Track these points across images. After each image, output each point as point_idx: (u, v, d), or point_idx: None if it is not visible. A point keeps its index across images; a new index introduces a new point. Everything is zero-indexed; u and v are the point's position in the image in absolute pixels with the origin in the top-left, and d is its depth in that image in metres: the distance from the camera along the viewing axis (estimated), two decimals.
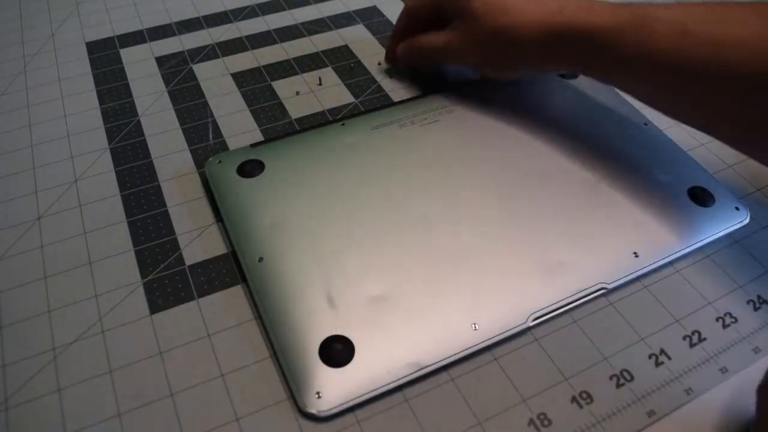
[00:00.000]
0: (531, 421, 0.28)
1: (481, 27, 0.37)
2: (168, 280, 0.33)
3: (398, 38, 0.45)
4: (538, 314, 0.31)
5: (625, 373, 0.30)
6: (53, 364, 0.29)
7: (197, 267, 0.34)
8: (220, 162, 0.38)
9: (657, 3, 0.32)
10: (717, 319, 0.32)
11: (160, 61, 0.48)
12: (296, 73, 0.47)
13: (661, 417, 0.28)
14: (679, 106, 0.33)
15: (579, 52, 0.34)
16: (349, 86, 0.46)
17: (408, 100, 0.43)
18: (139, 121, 0.42)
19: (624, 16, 0.32)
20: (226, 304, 0.32)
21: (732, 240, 0.36)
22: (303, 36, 0.51)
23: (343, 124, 0.40)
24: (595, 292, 0.32)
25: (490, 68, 0.40)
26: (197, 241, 0.35)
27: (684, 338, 0.31)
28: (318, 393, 0.28)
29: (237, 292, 0.32)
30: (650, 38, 0.31)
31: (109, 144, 0.40)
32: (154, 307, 0.32)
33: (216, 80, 0.46)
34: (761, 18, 0.29)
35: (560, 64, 0.37)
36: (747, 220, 0.36)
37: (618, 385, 0.29)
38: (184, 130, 0.42)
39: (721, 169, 0.40)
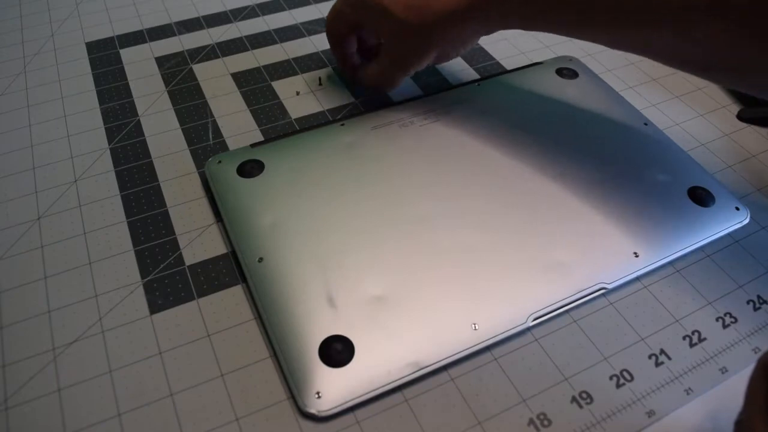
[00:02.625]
0: (531, 421, 0.28)
1: (408, 34, 0.37)
2: (168, 280, 0.33)
3: (344, 61, 0.44)
4: (538, 314, 0.31)
5: (625, 373, 0.30)
6: (53, 364, 0.29)
7: (197, 267, 0.34)
8: (220, 162, 0.38)
9: None
10: (717, 319, 0.32)
11: (160, 61, 0.48)
12: (296, 73, 0.47)
13: (661, 417, 0.28)
14: (615, 37, 0.33)
15: (512, 5, 0.35)
16: (349, 86, 0.46)
17: (408, 100, 0.43)
18: (139, 121, 0.42)
19: None
20: (226, 304, 0.32)
21: (732, 240, 0.36)
22: (303, 36, 0.51)
23: (343, 124, 0.40)
24: (595, 292, 0.32)
25: (431, 61, 0.40)
26: (197, 241, 0.35)
27: (684, 338, 0.31)
28: (318, 393, 0.28)
29: (237, 292, 0.32)
30: None
31: (109, 144, 0.40)
32: (154, 307, 0.32)
33: (216, 80, 0.46)
34: None
35: (496, 23, 0.37)
36: (747, 220, 0.36)
37: (618, 385, 0.29)
38: (184, 130, 0.42)
39: (721, 169, 0.40)
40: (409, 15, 0.36)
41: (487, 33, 0.39)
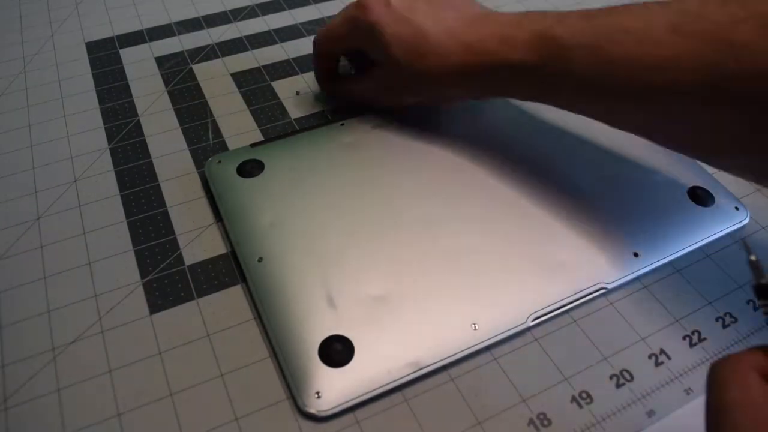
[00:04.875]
0: (531, 421, 0.28)
1: (401, 73, 0.36)
2: (168, 280, 0.33)
3: (323, 75, 0.43)
4: (538, 314, 0.31)
5: (625, 373, 0.30)
6: (53, 364, 0.29)
7: (197, 267, 0.33)
8: (219, 162, 0.38)
9: (558, 12, 0.32)
10: (717, 319, 0.32)
11: (160, 61, 0.48)
12: (296, 73, 0.47)
13: (661, 417, 0.28)
14: (611, 119, 0.32)
15: (503, 85, 0.34)
16: None
17: None
18: (139, 121, 0.42)
19: (539, 47, 0.31)
20: (226, 304, 0.32)
21: (732, 240, 0.36)
22: (303, 36, 0.51)
23: (342, 124, 0.40)
24: (595, 292, 0.32)
25: (414, 102, 0.40)
26: (197, 241, 0.35)
27: (684, 338, 0.31)
28: (318, 393, 0.28)
29: (237, 292, 0.32)
30: (569, 68, 0.30)
31: (109, 144, 0.40)
32: (154, 307, 0.32)
33: (216, 80, 0.46)
34: (674, 34, 0.27)
35: (489, 95, 0.37)
36: (747, 220, 0.36)
37: (618, 385, 0.29)
38: (183, 130, 0.42)
39: None
40: (409, 58, 0.35)
41: (476, 99, 0.39)
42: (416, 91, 0.38)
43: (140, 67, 0.47)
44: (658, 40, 0.27)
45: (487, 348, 0.30)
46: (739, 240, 0.35)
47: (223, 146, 0.40)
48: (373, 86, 0.40)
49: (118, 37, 0.50)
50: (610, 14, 0.30)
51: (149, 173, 0.39)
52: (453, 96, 0.38)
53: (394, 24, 0.35)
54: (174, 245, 0.35)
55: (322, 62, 0.43)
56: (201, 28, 0.51)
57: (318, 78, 0.44)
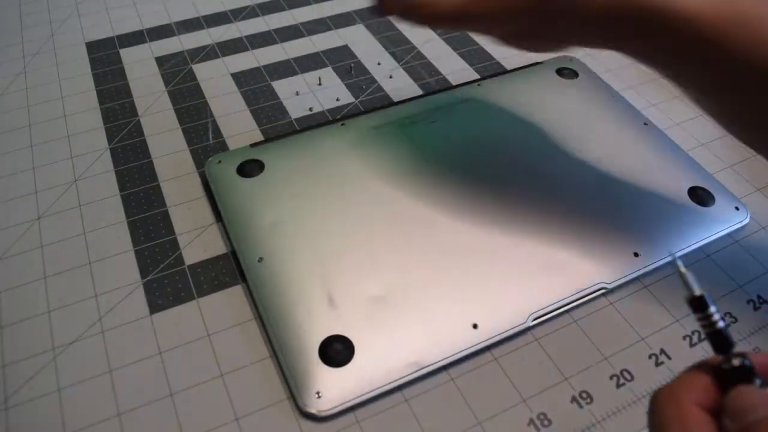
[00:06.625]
0: (531, 421, 0.28)
1: None
2: (168, 280, 0.33)
3: None
4: (538, 314, 0.31)
5: (625, 373, 0.30)
6: (53, 364, 0.29)
7: (197, 267, 0.33)
8: (219, 162, 0.38)
9: None
10: None
11: (160, 61, 0.47)
12: (296, 73, 0.47)
13: None
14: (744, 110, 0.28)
15: (660, 42, 0.26)
16: (349, 86, 0.46)
17: (408, 100, 0.43)
18: (139, 121, 0.42)
19: (724, 7, 0.25)
20: (226, 304, 0.32)
21: (732, 240, 0.36)
22: (303, 36, 0.51)
23: (343, 124, 0.40)
24: (595, 292, 0.32)
25: (526, 42, 0.30)
26: (197, 241, 0.35)
27: (684, 338, 0.31)
28: (318, 393, 0.28)
29: (237, 292, 0.32)
30: (758, 40, 0.25)
31: (109, 144, 0.40)
32: (154, 307, 0.32)
33: (216, 80, 0.46)
34: None
35: (627, 48, 0.28)
36: (747, 220, 0.36)
37: (618, 385, 0.29)
38: (184, 130, 0.42)
39: (721, 169, 0.40)
40: None
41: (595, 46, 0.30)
42: (538, 19, 0.28)
43: (140, 67, 0.47)
44: None
45: (487, 348, 0.30)
46: (671, 254, 0.33)
47: (223, 146, 0.40)
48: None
49: (118, 37, 0.50)
50: None
51: (149, 173, 0.39)
52: (576, 42, 0.30)
53: None
54: (174, 245, 0.35)
55: None
56: (201, 28, 0.51)
57: None
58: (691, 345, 0.31)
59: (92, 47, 0.49)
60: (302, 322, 0.30)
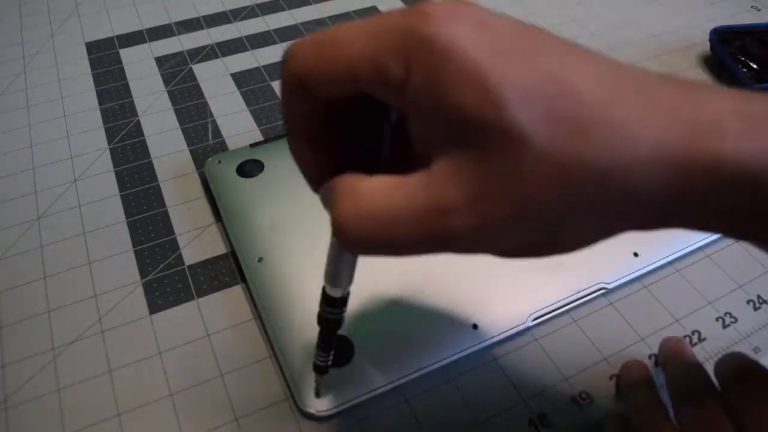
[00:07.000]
0: (531, 421, 0.28)
1: (535, 167, 0.16)
2: (167, 280, 0.33)
3: (297, 132, 0.23)
4: (538, 314, 0.31)
5: None
6: (53, 364, 0.29)
7: (197, 267, 0.33)
8: (219, 162, 0.38)
9: None
10: (717, 319, 0.32)
11: (160, 61, 0.48)
12: None
13: None
14: None
15: (741, 208, 0.18)
16: None
17: None
18: (139, 121, 0.42)
19: None
20: (226, 304, 0.32)
21: (732, 240, 0.36)
22: (303, 36, 0.50)
23: None
24: (595, 292, 0.32)
25: (536, 250, 0.19)
26: (197, 241, 0.35)
27: (684, 338, 0.31)
28: (317, 393, 0.27)
29: (237, 292, 0.32)
30: None
31: (109, 144, 0.40)
32: (154, 307, 0.32)
33: (216, 80, 0.46)
34: None
35: (691, 226, 0.19)
36: None
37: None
38: (183, 130, 0.42)
39: None
40: (556, 136, 0.16)
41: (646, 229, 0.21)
42: (555, 220, 0.18)
43: (140, 67, 0.47)
44: None
45: (487, 348, 0.30)
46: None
47: (223, 146, 0.40)
48: (449, 197, 0.17)
49: (118, 37, 0.50)
50: None
51: (149, 173, 0.39)
52: (612, 232, 0.20)
53: (505, 60, 0.16)
54: (174, 245, 0.34)
55: (298, 104, 0.21)
56: (201, 28, 0.51)
57: (290, 134, 0.22)
58: (691, 345, 0.31)
59: (92, 47, 0.49)
60: (302, 322, 0.30)
